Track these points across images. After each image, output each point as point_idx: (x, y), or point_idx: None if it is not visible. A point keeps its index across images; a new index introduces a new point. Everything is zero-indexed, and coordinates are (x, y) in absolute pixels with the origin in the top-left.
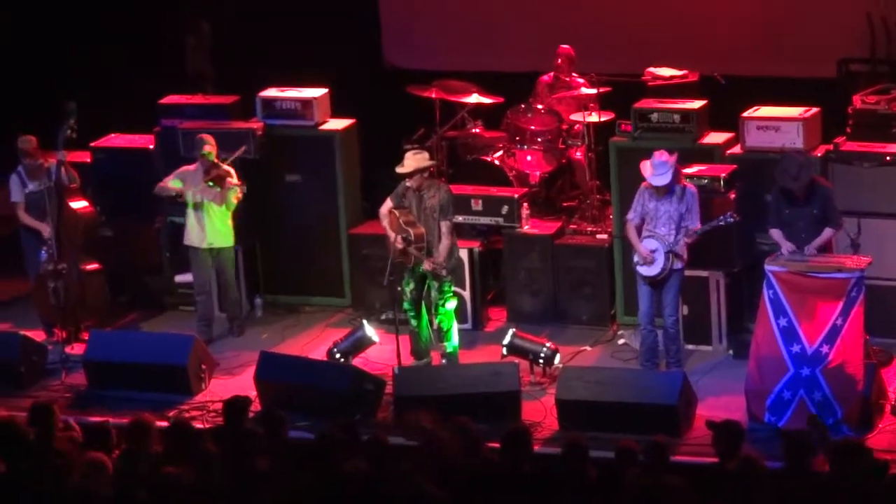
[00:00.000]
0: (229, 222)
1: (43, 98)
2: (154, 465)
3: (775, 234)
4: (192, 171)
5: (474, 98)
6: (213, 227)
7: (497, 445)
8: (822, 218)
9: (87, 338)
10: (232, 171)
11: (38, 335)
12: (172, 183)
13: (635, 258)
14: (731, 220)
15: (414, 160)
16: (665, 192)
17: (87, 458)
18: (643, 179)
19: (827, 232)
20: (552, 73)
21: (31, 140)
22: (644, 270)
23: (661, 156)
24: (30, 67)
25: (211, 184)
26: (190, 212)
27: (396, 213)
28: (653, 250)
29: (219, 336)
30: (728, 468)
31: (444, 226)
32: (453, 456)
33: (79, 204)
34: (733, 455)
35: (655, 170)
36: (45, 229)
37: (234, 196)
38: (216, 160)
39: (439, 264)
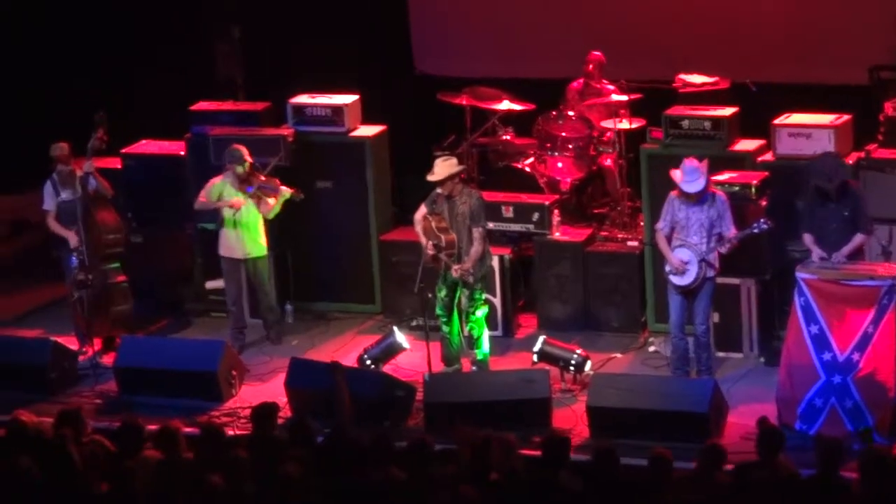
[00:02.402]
0: (263, 231)
1: (75, 105)
2: (187, 472)
3: (808, 238)
4: (222, 181)
5: (505, 105)
6: (249, 237)
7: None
8: (852, 221)
9: (118, 346)
10: (277, 180)
11: (70, 341)
12: (210, 197)
13: (667, 267)
14: (765, 226)
15: (444, 167)
16: (697, 199)
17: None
18: (674, 186)
19: (857, 238)
20: (582, 80)
21: (63, 147)
22: (677, 280)
23: (691, 162)
24: (61, 74)
25: (259, 195)
26: (227, 222)
27: (430, 218)
28: (685, 261)
29: (255, 342)
30: (754, 476)
31: (477, 232)
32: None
33: (105, 215)
34: (767, 462)
35: (687, 176)
36: (73, 238)
37: (283, 203)
38: (250, 170)
39: (466, 270)
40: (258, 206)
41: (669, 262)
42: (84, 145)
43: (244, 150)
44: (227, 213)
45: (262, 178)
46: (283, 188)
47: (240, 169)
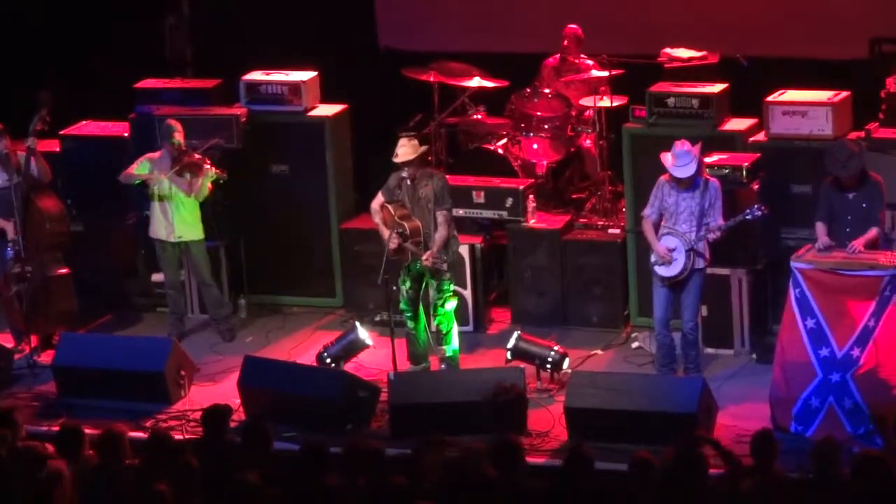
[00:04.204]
0: (198, 214)
1: (11, 85)
2: (131, 480)
3: (820, 228)
4: (157, 158)
5: (476, 82)
6: (180, 218)
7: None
8: (869, 213)
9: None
10: (206, 159)
11: (5, 339)
12: (138, 170)
13: (652, 258)
14: (759, 213)
15: (410, 147)
16: (688, 184)
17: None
18: (659, 170)
19: (871, 231)
20: (558, 55)
21: None
22: (662, 271)
23: (682, 145)
24: None
25: (187, 174)
26: (155, 203)
27: (389, 207)
28: (672, 249)
29: (205, 338)
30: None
31: (441, 216)
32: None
33: (47, 202)
34: (763, 468)
35: (678, 160)
36: (10, 228)
37: (209, 184)
38: (183, 147)
39: (437, 257)
40: (184, 187)
41: (655, 252)
42: (24, 130)
43: (176, 125)
44: (151, 189)
45: (196, 156)
46: (208, 167)
47: (169, 146)
